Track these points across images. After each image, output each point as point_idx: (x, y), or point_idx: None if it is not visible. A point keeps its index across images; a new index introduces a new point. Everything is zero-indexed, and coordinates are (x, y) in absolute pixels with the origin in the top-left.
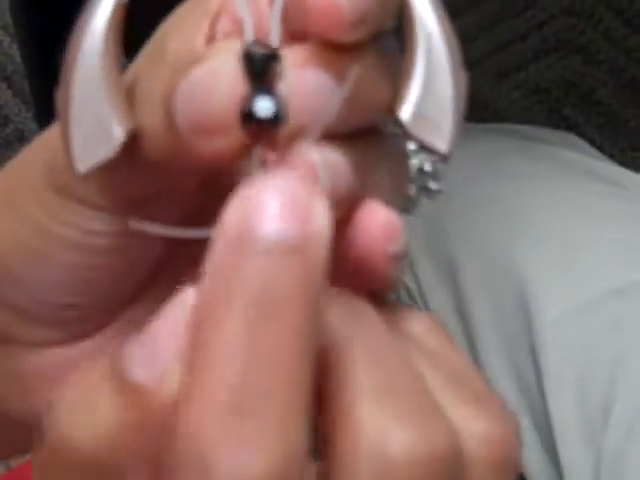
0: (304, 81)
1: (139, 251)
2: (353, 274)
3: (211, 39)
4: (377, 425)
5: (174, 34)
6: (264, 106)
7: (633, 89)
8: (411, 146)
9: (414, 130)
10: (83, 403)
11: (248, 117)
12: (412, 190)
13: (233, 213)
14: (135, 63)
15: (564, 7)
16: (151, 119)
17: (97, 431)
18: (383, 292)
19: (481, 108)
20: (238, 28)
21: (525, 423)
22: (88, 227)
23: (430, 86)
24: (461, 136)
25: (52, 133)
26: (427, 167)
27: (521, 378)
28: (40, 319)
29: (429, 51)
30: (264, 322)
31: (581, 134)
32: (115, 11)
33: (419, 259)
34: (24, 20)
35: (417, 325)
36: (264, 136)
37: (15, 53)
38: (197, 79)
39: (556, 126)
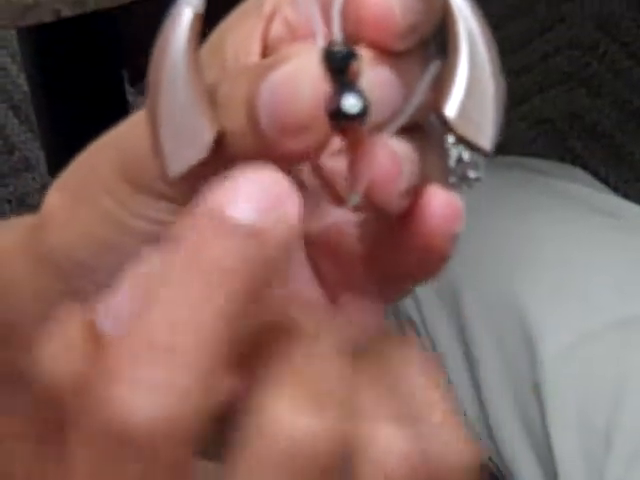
0: (382, 78)
1: None
2: (418, 259)
3: (265, 44)
4: (281, 410)
5: (231, 39)
6: (352, 103)
7: (637, 121)
8: (450, 139)
9: (458, 127)
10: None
11: (336, 114)
12: (453, 179)
13: (210, 195)
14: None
15: (569, 40)
16: (235, 122)
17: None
18: (437, 267)
19: None
20: (290, 32)
21: (529, 457)
22: (161, 218)
23: (473, 86)
24: (499, 133)
25: (122, 128)
26: (466, 157)
27: (524, 412)
28: None
29: (472, 52)
30: (202, 284)
31: (585, 166)
32: (194, 21)
33: (423, 291)
34: (32, 49)
35: (399, 353)
36: (351, 131)
37: (23, 82)
38: (280, 80)
39: (561, 157)
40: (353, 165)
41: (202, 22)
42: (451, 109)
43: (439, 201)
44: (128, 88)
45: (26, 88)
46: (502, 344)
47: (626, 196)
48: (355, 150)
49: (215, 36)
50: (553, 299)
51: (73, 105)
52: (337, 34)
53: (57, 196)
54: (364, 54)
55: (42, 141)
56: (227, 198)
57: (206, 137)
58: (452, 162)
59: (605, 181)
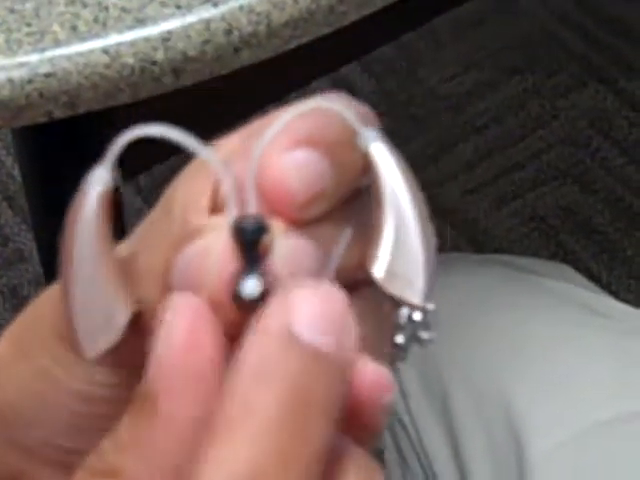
0: (292, 248)
1: None
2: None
3: (215, 205)
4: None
5: (181, 194)
6: (250, 286)
7: (629, 218)
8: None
9: (388, 286)
10: None
11: (237, 297)
12: (401, 339)
13: (275, 309)
14: (136, 235)
15: (561, 137)
16: (151, 293)
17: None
18: (370, 439)
19: (480, 233)
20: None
21: None
22: (98, 379)
23: (400, 243)
24: (434, 288)
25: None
26: (416, 316)
27: None
28: (48, 460)
29: (397, 208)
30: (293, 417)
31: (578, 261)
32: (103, 197)
33: (412, 391)
34: (25, 141)
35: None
36: (253, 310)
37: (17, 174)
38: (190, 256)
39: (553, 253)
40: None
41: (112, 197)
42: (379, 268)
43: (365, 375)
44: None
45: (20, 179)
46: (491, 444)
47: (617, 292)
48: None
49: (168, 190)
50: (541, 397)
51: (66, 197)
52: (252, 205)
53: (4, 344)
54: (275, 225)
55: (35, 233)
56: (292, 315)
57: (120, 319)
58: (401, 320)
59: (597, 277)
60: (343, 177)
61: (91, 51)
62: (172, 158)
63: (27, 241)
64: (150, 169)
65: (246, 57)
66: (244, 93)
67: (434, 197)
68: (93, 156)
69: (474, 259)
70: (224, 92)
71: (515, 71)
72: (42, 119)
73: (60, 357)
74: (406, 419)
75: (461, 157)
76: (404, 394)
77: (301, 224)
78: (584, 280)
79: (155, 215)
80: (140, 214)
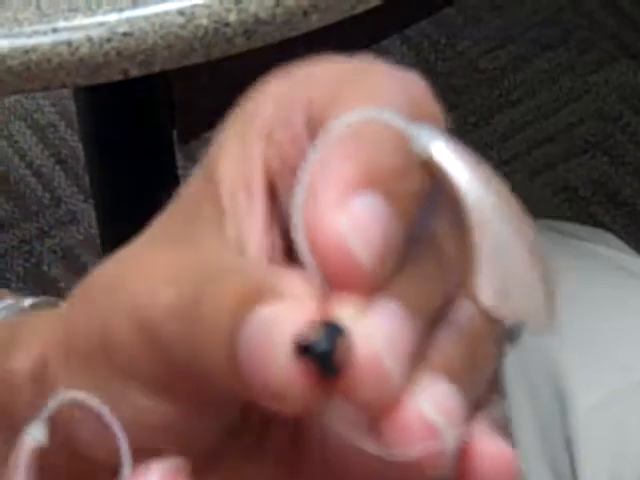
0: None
1: None
2: None
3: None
4: None
5: (224, 166)
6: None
7: None
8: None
9: (501, 311)
10: None
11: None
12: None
13: None
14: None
15: (592, 111)
16: (215, 354)
17: None
18: None
19: (518, 200)
20: (283, 163)
21: None
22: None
23: (498, 257)
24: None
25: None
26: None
27: (555, 466)
28: None
29: (481, 216)
30: None
31: (608, 232)
32: (35, 454)
33: None
34: (86, 107)
35: None
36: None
37: (69, 137)
38: (259, 324)
39: (584, 223)
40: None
41: (45, 454)
42: (486, 293)
43: (489, 457)
44: (178, 147)
45: (73, 143)
46: (534, 396)
47: None
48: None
49: (208, 161)
50: (584, 356)
51: (123, 161)
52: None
53: None
54: (346, 310)
55: (93, 194)
56: None
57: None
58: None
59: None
60: (409, 209)
61: (167, 12)
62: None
63: (79, 203)
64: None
65: (315, 20)
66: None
67: None
68: (154, 118)
69: None
70: (268, 64)
71: (549, 47)
72: (118, 77)
73: None
74: None
75: (496, 129)
76: None
77: (376, 289)
78: (624, 246)
79: (197, 191)
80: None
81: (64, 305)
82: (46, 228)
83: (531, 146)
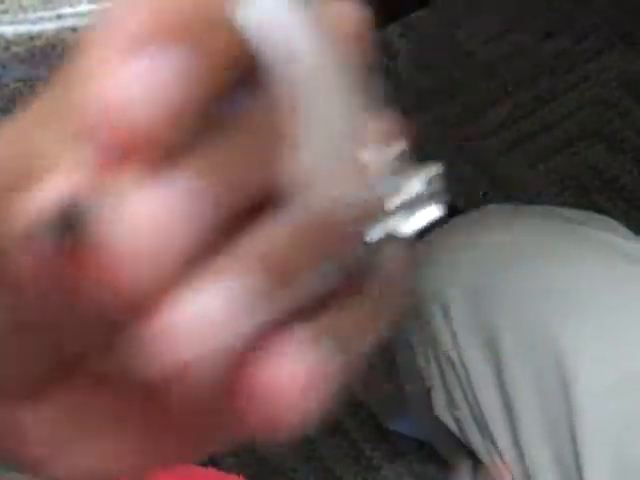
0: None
1: None
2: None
3: None
4: None
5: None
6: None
7: None
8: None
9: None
10: None
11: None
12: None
13: None
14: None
15: (591, 98)
16: None
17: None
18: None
19: (518, 188)
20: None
21: None
22: None
23: (315, 131)
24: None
25: None
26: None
27: (559, 453)
28: None
29: (297, 91)
30: None
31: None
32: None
33: (462, 330)
34: None
35: None
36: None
37: None
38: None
39: (584, 210)
40: None
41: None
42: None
43: (276, 378)
44: None
45: None
46: (539, 383)
47: None
48: None
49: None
50: (590, 342)
51: None
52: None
53: None
54: (120, 181)
55: None
56: None
57: None
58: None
59: None
60: (217, 69)
61: None
62: None
63: None
64: None
65: None
66: None
67: (474, 153)
68: None
69: (526, 210)
70: None
71: (547, 35)
72: None
73: None
74: (454, 356)
75: (495, 118)
76: (453, 332)
77: (170, 157)
78: (627, 231)
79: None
80: None
81: None
82: None
83: (530, 135)
